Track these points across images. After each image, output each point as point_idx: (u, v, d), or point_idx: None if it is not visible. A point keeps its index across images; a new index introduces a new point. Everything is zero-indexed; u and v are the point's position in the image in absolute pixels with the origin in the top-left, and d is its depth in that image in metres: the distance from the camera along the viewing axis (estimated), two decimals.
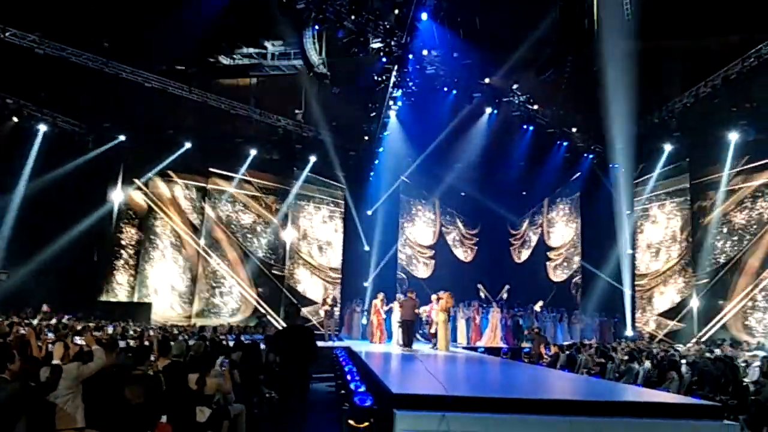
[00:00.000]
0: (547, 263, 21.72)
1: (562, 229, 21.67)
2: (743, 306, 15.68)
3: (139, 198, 18.54)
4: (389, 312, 16.24)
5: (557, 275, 21.59)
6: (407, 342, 13.87)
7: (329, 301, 17.49)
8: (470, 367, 10.49)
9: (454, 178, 20.47)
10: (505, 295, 18.99)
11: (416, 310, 14.18)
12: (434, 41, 14.99)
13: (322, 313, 17.63)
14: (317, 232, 20.65)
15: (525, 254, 22.32)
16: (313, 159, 19.73)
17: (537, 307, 18.80)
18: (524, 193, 21.13)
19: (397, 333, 15.14)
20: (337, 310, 18.48)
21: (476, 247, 22.21)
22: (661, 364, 10.37)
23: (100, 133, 17.37)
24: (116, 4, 14.71)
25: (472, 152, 19.14)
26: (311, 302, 19.52)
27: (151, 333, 11.66)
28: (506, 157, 19.62)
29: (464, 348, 16.49)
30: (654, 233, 18.83)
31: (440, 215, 22.33)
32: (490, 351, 16.24)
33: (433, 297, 15.07)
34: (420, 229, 22.27)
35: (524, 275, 21.26)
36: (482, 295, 19.21)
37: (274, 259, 19.78)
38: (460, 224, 22.36)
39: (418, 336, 16.51)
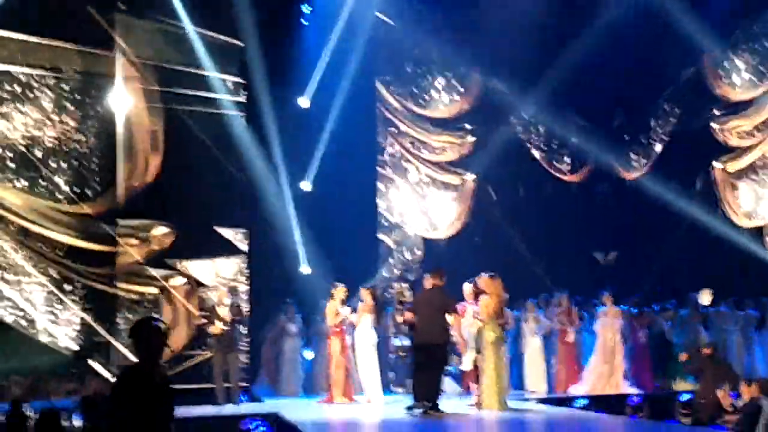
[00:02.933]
0: (722, 182, 23.23)
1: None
2: None
3: None
4: (364, 332, 17.15)
5: (742, 215, 23.19)
6: (429, 393, 14.49)
7: (225, 312, 17.62)
8: None
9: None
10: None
11: (448, 317, 14.72)
12: None
13: (210, 340, 17.90)
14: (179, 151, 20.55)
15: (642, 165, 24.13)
16: None
17: (704, 300, 20.24)
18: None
19: (373, 380, 16.73)
20: (243, 330, 18.60)
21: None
22: None
23: None
24: None
25: None
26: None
27: None
28: None
29: (541, 401, 17.44)
30: None
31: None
32: (603, 404, 17.17)
33: (466, 289, 15.82)
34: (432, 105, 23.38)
35: (663, 223, 22.67)
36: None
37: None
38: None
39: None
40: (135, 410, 6.55)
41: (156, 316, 7.29)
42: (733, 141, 23.78)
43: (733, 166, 23.49)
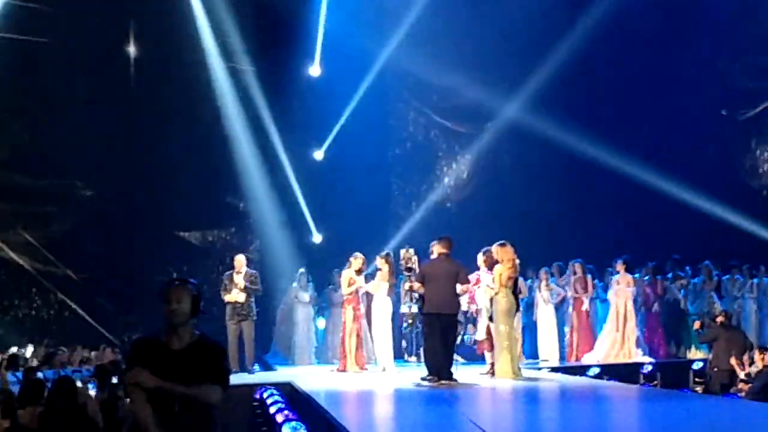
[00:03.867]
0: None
1: None
2: None
3: None
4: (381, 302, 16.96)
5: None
6: (442, 363, 14.41)
7: (241, 280, 17.35)
8: (571, 420, 11.16)
9: None
10: None
11: (461, 288, 14.59)
12: None
13: (227, 309, 17.56)
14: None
15: None
16: None
17: None
18: None
19: (387, 349, 16.58)
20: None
21: None
22: None
23: None
24: None
25: None
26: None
27: None
28: None
29: (554, 370, 17.42)
30: None
31: None
32: (616, 372, 17.05)
33: (480, 257, 15.59)
34: None
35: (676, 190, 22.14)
36: None
37: None
38: None
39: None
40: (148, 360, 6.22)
41: (184, 279, 6.36)
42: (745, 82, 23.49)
43: (746, 115, 23.36)
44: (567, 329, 19.31)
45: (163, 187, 21.04)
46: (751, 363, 15.00)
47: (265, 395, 13.25)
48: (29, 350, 18.09)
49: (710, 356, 16.58)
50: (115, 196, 20.87)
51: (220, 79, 21.92)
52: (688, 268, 20.47)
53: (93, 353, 18.67)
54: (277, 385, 14.19)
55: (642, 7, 22.97)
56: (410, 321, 17.63)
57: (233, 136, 21.91)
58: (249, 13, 21.67)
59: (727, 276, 20.18)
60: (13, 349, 17.30)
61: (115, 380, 12.33)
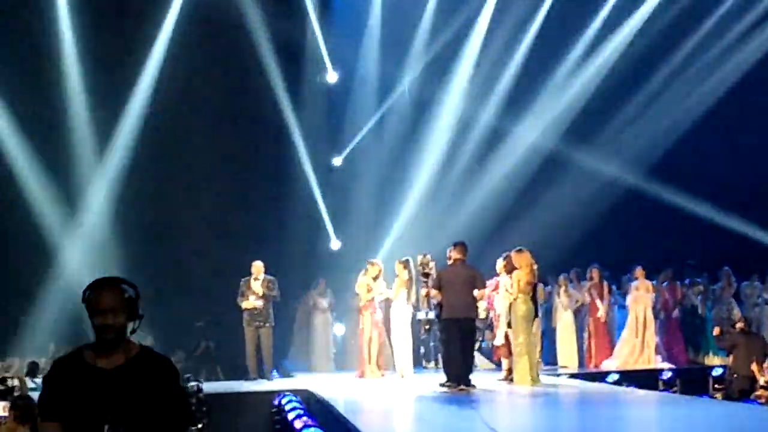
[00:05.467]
0: None
1: None
2: None
3: None
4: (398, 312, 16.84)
5: None
6: (461, 369, 14.45)
7: (258, 287, 17.33)
8: (590, 427, 11.18)
9: None
10: None
11: (478, 293, 14.67)
12: None
13: (245, 315, 17.59)
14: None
15: None
16: None
17: None
18: None
19: (407, 356, 16.45)
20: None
21: None
22: None
23: None
24: None
25: None
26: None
27: None
28: None
29: (572, 376, 17.30)
30: None
31: None
32: (635, 378, 16.80)
33: (500, 263, 15.60)
34: None
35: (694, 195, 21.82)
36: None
37: None
38: None
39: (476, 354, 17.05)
40: (59, 401, 5.01)
41: (115, 277, 4.84)
42: None
43: None
44: (585, 335, 19.17)
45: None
46: None
47: (283, 402, 13.28)
48: (50, 354, 18.11)
49: (730, 362, 16.50)
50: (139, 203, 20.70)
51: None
52: (706, 274, 20.33)
53: None
54: (296, 392, 14.36)
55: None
56: (426, 327, 17.46)
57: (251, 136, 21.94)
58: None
59: (746, 282, 20.02)
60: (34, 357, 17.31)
61: None
